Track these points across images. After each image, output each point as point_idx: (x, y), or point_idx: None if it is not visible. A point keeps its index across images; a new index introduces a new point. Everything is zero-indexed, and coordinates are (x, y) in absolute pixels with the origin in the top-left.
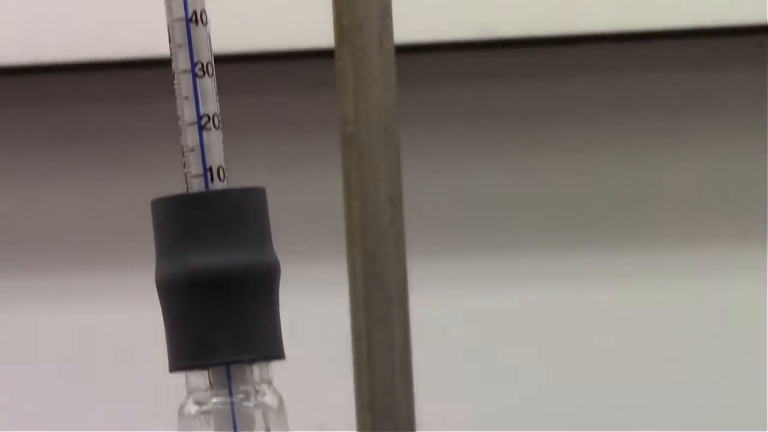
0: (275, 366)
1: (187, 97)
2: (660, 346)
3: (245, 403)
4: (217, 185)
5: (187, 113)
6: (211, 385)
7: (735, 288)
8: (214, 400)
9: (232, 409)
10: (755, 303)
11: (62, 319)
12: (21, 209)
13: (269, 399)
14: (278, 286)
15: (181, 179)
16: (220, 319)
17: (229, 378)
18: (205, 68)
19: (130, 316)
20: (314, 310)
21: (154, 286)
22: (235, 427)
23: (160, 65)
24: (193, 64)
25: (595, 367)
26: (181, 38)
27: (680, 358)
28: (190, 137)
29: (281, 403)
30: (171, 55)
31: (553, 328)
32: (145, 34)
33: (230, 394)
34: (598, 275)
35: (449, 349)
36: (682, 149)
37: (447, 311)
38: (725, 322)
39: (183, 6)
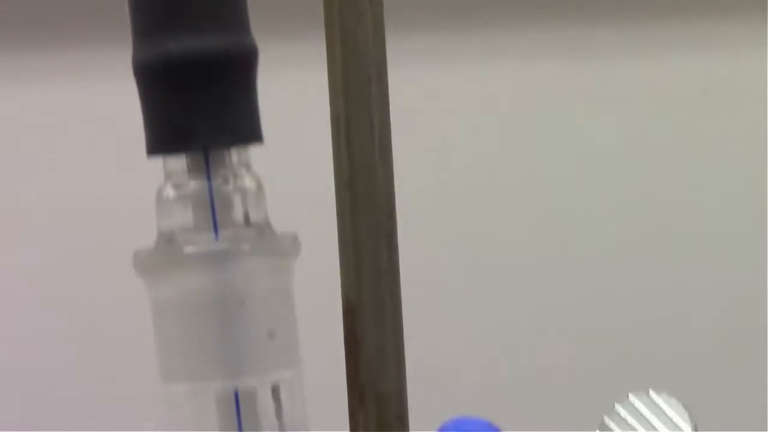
0: (253, 150)
1: None
2: (656, 123)
3: (223, 187)
4: None
5: None
6: (189, 170)
7: (734, 59)
8: (192, 184)
9: (210, 192)
10: (754, 74)
11: (35, 93)
12: None
13: (248, 182)
14: (256, 71)
15: None
16: (198, 103)
17: (207, 162)
18: None
19: (110, 89)
20: (292, 92)
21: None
22: (213, 210)
23: None
24: None
25: (578, 138)
26: None
27: (675, 134)
28: None
29: (260, 186)
30: None
31: (543, 99)
32: None
33: (208, 178)
34: (590, 47)
35: (428, 129)
36: None
37: (425, 88)
38: (724, 93)
39: None
